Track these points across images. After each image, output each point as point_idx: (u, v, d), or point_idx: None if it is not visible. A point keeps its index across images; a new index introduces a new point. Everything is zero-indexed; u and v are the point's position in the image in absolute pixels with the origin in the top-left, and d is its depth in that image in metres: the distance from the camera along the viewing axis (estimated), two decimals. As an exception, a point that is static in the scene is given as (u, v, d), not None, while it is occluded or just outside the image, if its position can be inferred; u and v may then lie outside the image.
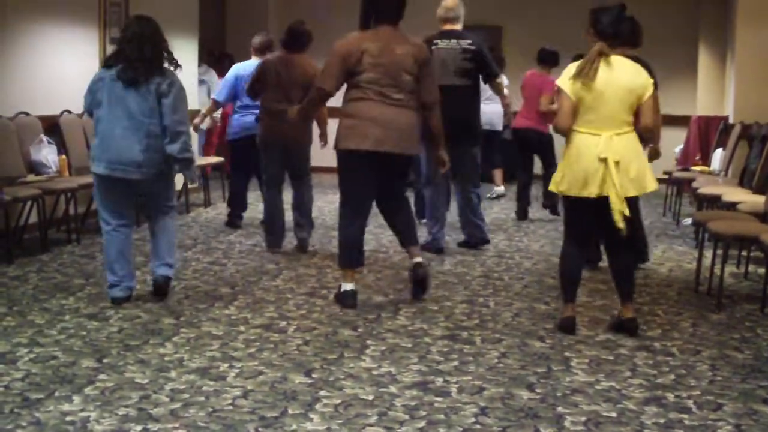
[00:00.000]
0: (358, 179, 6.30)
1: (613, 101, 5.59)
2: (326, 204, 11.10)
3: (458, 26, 8.16)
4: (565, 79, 5.69)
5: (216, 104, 9.67)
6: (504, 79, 9.02)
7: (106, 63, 6.45)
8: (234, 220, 9.53)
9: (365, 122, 6.20)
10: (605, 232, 5.74)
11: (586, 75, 5.58)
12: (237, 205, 9.57)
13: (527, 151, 10.61)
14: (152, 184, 6.30)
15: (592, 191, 5.59)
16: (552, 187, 5.86)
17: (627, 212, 5.57)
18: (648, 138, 5.93)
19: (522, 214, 10.42)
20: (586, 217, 5.73)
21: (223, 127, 11.96)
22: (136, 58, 6.16)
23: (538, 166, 10.76)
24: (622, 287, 5.80)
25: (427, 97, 6.41)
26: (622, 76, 5.61)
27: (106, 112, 6.21)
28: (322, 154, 8.94)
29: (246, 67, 9.20)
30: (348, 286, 6.35)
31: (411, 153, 6.44)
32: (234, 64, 9.80)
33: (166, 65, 6.28)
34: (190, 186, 6.23)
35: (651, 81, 5.70)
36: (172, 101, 6.18)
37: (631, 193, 5.62)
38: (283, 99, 7.89)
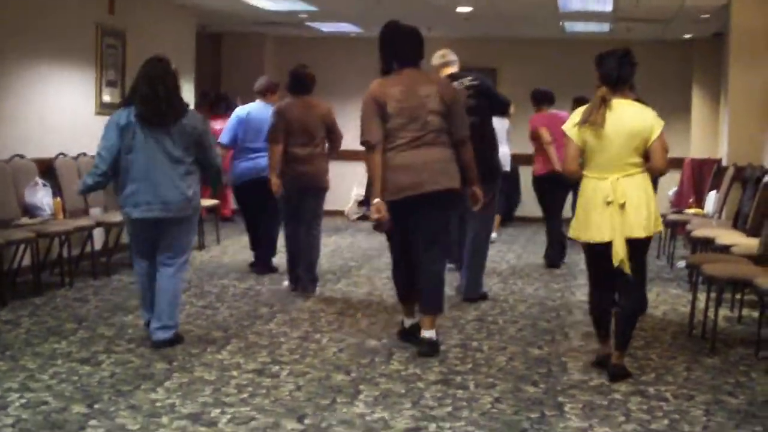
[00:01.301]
0: (401, 225, 6.28)
1: (618, 145, 5.61)
2: (324, 246, 11.05)
3: (456, 69, 8.13)
4: (571, 125, 5.75)
5: (221, 147, 9.63)
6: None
7: (126, 102, 6.39)
8: (262, 265, 9.40)
9: (397, 172, 6.16)
10: (619, 275, 5.74)
11: (594, 122, 5.62)
12: (261, 245, 9.48)
13: (560, 192, 10.30)
14: (184, 224, 6.35)
15: (602, 236, 5.62)
16: (571, 233, 5.89)
17: (625, 260, 5.58)
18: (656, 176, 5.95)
19: (557, 262, 10.30)
20: (601, 261, 5.74)
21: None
22: (159, 99, 6.17)
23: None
24: (621, 332, 5.78)
25: (458, 134, 6.31)
26: (626, 119, 5.63)
27: (142, 156, 6.19)
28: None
29: (249, 111, 9.28)
30: (407, 322, 6.54)
31: (449, 187, 6.22)
32: (230, 105, 9.85)
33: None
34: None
35: (659, 122, 5.69)
36: (208, 137, 6.38)
37: (636, 234, 5.61)
38: (308, 142, 8.12)
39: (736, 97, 11.31)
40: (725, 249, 7.82)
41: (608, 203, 5.59)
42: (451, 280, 8.98)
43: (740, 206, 9.27)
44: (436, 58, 8.16)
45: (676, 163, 13.02)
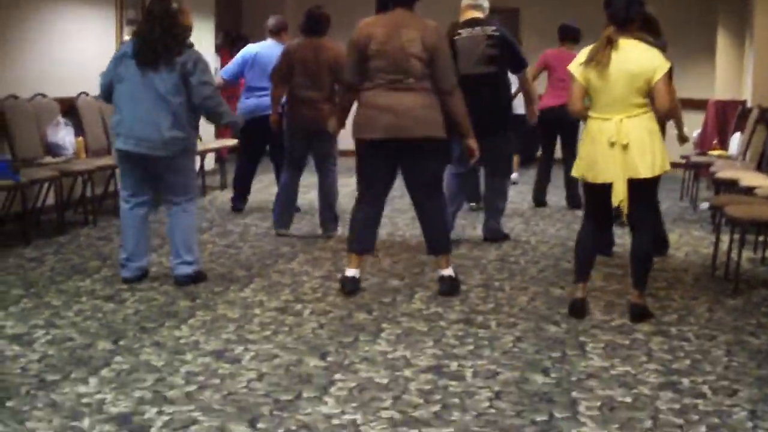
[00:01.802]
0: (372, 168, 6.23)
1: (621, 85, 5.57)
2: (342, 187, 11.06)
3: (482, 15, 7.97)
4: (576, 64, 5.72)
5: (223, 80, 9.62)
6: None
7: (131, 39, 6.45)
8: (236, 203, 9.56)
9: (375, 111, 6.08)
10: (627, 214, 5.73)
11: (599, 61, 5.58)
12: (241, 187, 9.60)
13: (551, 133, 10.39)
14: (172, 165, 6.28)
15: (605, 177, 5.60)
16: (574, 172, 5.86)
17: (625, 201, 5.56)
18: (665, 120, 5.92)
19: (539, 200, 10.32)
20: (603, 201, 5.71)
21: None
22: (153, 39, 6.17)
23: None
24: (636, 273, 5.80)
25: (442, 83, 6.13)
26: (630, 59, 5.57)
27: (130, 89, 6.21)
28: (343, 137, 8.88)
29: (258, 50, 9.26)
30: (350, 272, 6.27)
31: (427, 135, 6.08)
32: (250, 45, 9.79)
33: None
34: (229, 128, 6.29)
35: (664, 63, 5.59)
36: (198, 78, 6.20)
37: (642, 175, 5.57)
38: (312, 85, 7.92)
39: (762, 38, 11.18)
40: (749, 191, 7.77)
41: (612, 144, 5.56)
42: (474, 221, 9.01)
43: (765, 148, 9.21)
44: None
45: (700, 105, 12.94)
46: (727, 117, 12.13)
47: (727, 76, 13.46)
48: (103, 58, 9.62)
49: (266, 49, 9.19)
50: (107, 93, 6.40)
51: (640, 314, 5.73)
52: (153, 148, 6.20)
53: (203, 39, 11.65)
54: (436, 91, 6.13)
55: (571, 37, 10.41)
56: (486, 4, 8.04)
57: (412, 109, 6.05)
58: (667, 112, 5.65)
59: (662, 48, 5.94)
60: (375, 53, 6.07)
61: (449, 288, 6.26)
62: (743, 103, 11.78)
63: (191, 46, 6.30)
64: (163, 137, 6.18)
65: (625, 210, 5.62)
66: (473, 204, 9.74)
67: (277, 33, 9.32)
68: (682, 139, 7.57)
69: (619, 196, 5.57)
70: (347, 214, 8.60)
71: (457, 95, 6.20)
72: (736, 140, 10.76)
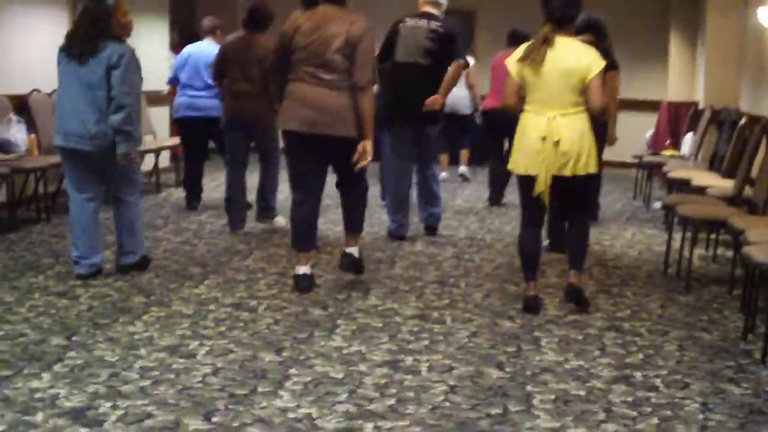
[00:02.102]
0: (297, 159, 6.22)
1: (555, 82, 5.66)
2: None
3: (436, 11, 8.02)
4: (512, 60, 5.83)
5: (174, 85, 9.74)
6: (470, 61, 8.69)
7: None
8: (190, 203, 9.53)
9: (295, 103, 6.07)
10: (557, 207, 5.96)
11: (533, 59, 5.67)
12: (191, 187, 9.58)
13: (497, 133, 10.44)
14: (109, 160, 6.25)
15: (534, 170, 5.70)
16: (509, 166, 5.96)
17: (546, 193, 5.69)
18: (599, 117, 6.00)
19: (495, 200, 10.37)
20: (532, 196, 5.79)
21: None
22: (80, 33, 6.24)
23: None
24: (571, 256, 6.00)
25: (357, 77, 6.02)
26: (565, 57, 5.67)
27: (61, 86, 6.30)
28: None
29: (191, 51, 9.48)
30: (300, 270, 6.25)
31: (345, 135, 6.03)
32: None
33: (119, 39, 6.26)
34: (120, 160, 6.15)
35: (599, 62, 5.69)
36: (121, 72, 6.14)
37: (568, 173, 5.69)
38: (244, 78, 7.99)
39: (713, 40, 11.30)
40: (701, 190, 7.87)
41: (543, 139, 5.65)
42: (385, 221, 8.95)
43: (716, 148, 9.33)
44: None
45: (653, 106, 13.06)
46: (679, 118, 12.26)
47: (679, 78, 13.59)
48: (54, 56, 9.60)
49: (199, 49, 9.43)
50: None
51: (575, 295, 5.87)
52: (80, 143, 6.20)
53: (157, 37, 11.59)
54: (351, 86, 6.05)
55: (520, 42, 10.43)
56: (444, 2, 8.07)
57: (330, 106, 6.01)
58: (599, 109, 5.73)
59: (605, 49, 6.03)
60: (299, 45, 6.06)
61: (349, 264, 6.32)
62: (695, 104, 11.91)
63: (121, 38, 6.26)
64: (89, 132, 6.17)
65: (546, 201, 5.76)
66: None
67: (211, 32, 9.55)
68: (612, 139, 7.79)
69: (541, 187, 5.69)
70: (285, 213, 8.69)
71: (369, 93, 6.10)
72: (688, 141, 10.88)
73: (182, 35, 13.77)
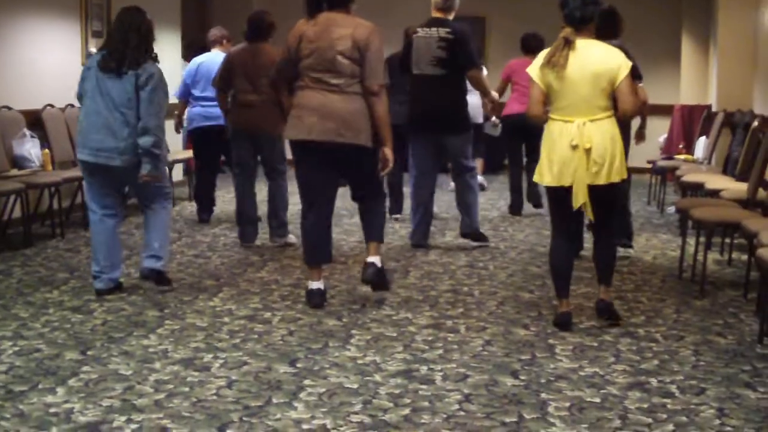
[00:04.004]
0: (306, 170, 6.10)
1: (583, 87, 5.49)
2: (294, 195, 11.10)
3: (447, 15, 7.98)
4: (535, 67, 5.65)
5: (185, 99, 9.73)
6: (483, 71, 8.66)
7: (99, 50, 6.46)
8: (201, 215, 9.56)
9: (303, 111, 5.96)
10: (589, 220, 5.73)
11: (556, 63, 5.51)
12: (203, 200, 9.62)
13: (518, 140, 10.39)
14: (135, 173, 6.27)
15: (567, 180, 5.52)
16: (535, 178, 5.80)
17: (587, 204, 5.50)
18: (627, 120, 5.92)
19: (516, 209, 10.31)
20: (564, 206, 5.64)
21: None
22: (117, 48, 6.20)
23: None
24: (599, 270, 5.80)
25: (368, 82, 5.91)
26: (591, 60, 5.51)
27: (91, 100, 6.25)
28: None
29: (201, 61, 9.50)
30: (313, 285, 6.12)
31: (357, 143, 5.92)
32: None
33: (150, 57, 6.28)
34: (145, 177, 6.15)
35: (627, 63, 5.54)
36: (149, 94, 6.16)
37: (601, 181, 5.50)
38: (251, 89, 7.95)
39: (726, 43, 11.29)
40: (715, 194, 7.84)
41: (574, 147, 5.49)
42: (442, 228, 9.04)
43: (729, 151, 9.30)
44: None
45: (666, 110, 13.03)
46: (692, 121, 12.24)
47: (691, 81, 13.58)
48: (68, 71, 9.66)
49: (209, 59, 9.42)
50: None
51: (606, 309, 5.74)
52: (111, 159, 6.19)
53: (169, 49, 11.63)
54: (362, 91, 5.96)
55: (533, 47, 10.39)
56: (454, 5, 8.03)
57: (338, 111, 5.90)
58: (631, 112, 5.59)
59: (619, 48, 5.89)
60: (305, 52, 5.97)
61: (372, 275, 6.11)
62: (708, 107, 11.89)
63: (156, 58, 6.31)
64: (119, 147, 6.17)
65: (589, 214, 5.58)
66: (397, 216, 9.72)
67: (219, 42, 9.59)
68: (640, 136, 7.71)
69: (580, 199, 5.50)
70: (296, 225, 8.70)
71: (383, 98, 5.99)
72: (701, 144, 10.85)
73: (193, 47, 13.84)
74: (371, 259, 6.14)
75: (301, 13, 6.18)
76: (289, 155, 6.87)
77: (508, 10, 14.91)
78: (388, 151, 6.01)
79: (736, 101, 10.66)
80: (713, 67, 12.20)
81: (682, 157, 11.01)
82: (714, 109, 11.39)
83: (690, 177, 8.89)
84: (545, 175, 5.63)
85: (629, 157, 6.51)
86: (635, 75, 6.69)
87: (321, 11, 6.06)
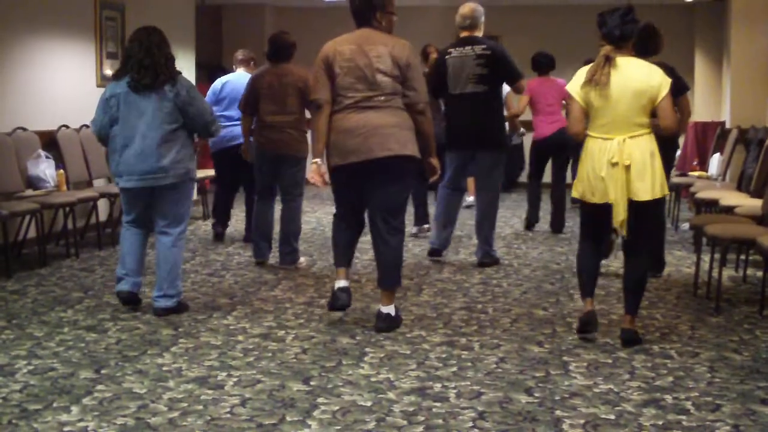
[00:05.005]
0: (343, 192, 6.11)
1: (623, 104, 5.51)
2: (325, 215, 11.14)
3: (476, 33, 8.02)
4: (575, 84, 5.68)
5: None
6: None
7: (115, 76, 6.45)
8: (216, 228, 9.64)
9: (343, 135, 5.90)
10: (623, 237, 5.69)
11: (597, 81, 5.52)
12: (219, 215, 9.69)
13: (545, 160, 10.31)
14: (174, 195, 6.32)
15: (606, 197, 5.54)
16: (573, 193, 5.79)
17: (625, 222, 5.52)
18: (669, 136, 5.93)
19: (531, 223, 10.33)
20: (599, 221, 5.71)
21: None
22: (144, 65, 6.21)
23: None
24: (627, 296, 5.73)
25: (412, 101, 5.94)
26: (632, 77, 5.52)
27: (123, 125, 6.25)
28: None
29: (226, 80, 9.50)
30: (340, 283, 6.03)
31: (400, 153, 5.86)
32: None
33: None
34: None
35: (667, 81, 5.53)
36: (199, 108, 6.31)
37: (642, 197, 5.51)
38: (279, 110, 7.90)
39: (739, 59, 11.29)
40: (729, 210, 7.83)
41: (614, 164, 5.51)
42: (456, 245, 9.03)
43: (744, 168, 9.29)
44: (458, 18, 8.09)
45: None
46: (706, 138, 12.23)
47: (705, 98, 13.57)
48: (82, 92, 9.72)
49: (234, 79, 9.43)
50: (104, 138, 6.41)
51: (630, 339, 5.65)
52: (157, 179, 6.23)
53: (185, 67, 11.66)
54: (407, 109, 5.97)
55: (544, 65, 10.41)
56: (480, 22, 8.06)
57: (381, 127, 5.86)
58: (671, 129, 5.58)
59: (671, 69, 5.86)
60: (341, 70, 5.93)
61: (387, 326, 5.95)
62: (722, 124, 11.88)
63: (179, 73, 6.35)
64: (161, 166, 6.21)
65: (623, 231, 5.57)
66: (414, 230, 9.81)
67: (246, 63, 9.59)
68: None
69: (620, 216, 5.51)
70: (309, 243, 8.70)
71: (428, 116, 6.03)
72: (715, 161, 10.84)
73: (208, 66, 13.91)
74: (385, 309, 6.01)
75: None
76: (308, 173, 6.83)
77: (522, 28, 14.94)
78: (434, 160, 6.16)
79: (749, 118, 10.65)
80: (726, 83, 12.19)
81: (696, 173, 11.01)
82: (728, 125, 11.38)
83: (704, 193, 8.87)
84: (581, 190, 5.69)
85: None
86: (681, 87, 6.74)
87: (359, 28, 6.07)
